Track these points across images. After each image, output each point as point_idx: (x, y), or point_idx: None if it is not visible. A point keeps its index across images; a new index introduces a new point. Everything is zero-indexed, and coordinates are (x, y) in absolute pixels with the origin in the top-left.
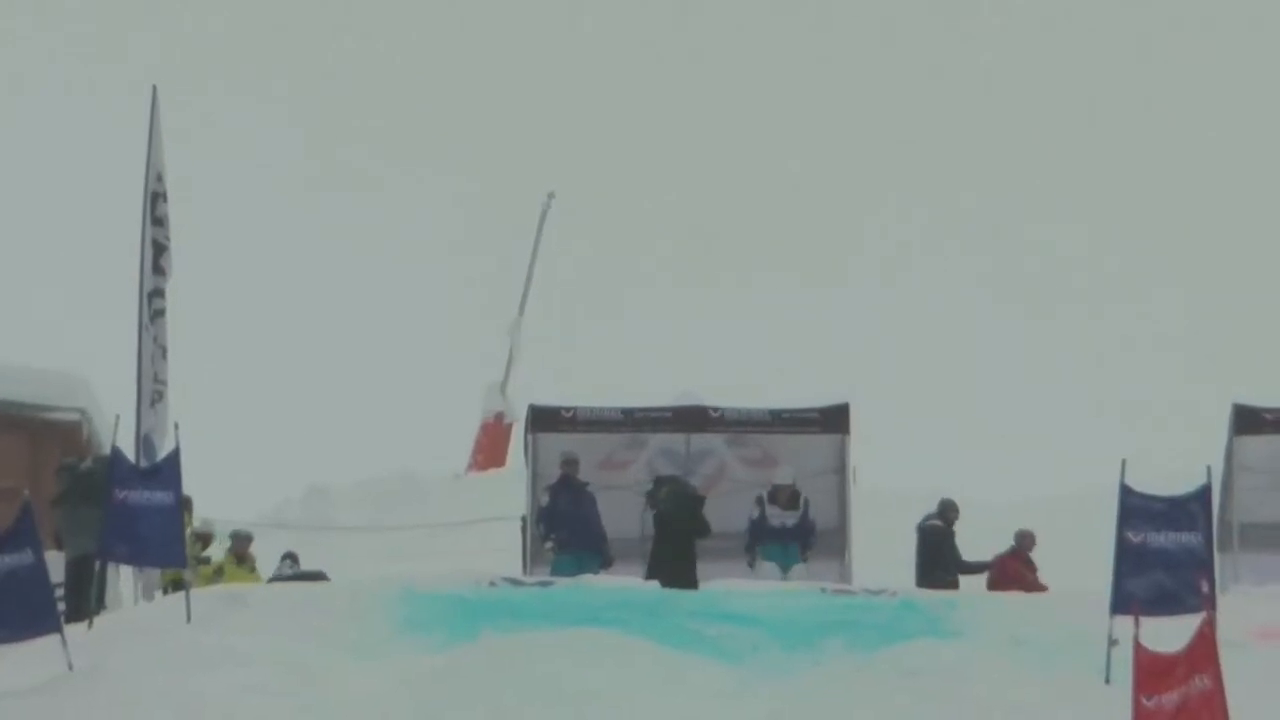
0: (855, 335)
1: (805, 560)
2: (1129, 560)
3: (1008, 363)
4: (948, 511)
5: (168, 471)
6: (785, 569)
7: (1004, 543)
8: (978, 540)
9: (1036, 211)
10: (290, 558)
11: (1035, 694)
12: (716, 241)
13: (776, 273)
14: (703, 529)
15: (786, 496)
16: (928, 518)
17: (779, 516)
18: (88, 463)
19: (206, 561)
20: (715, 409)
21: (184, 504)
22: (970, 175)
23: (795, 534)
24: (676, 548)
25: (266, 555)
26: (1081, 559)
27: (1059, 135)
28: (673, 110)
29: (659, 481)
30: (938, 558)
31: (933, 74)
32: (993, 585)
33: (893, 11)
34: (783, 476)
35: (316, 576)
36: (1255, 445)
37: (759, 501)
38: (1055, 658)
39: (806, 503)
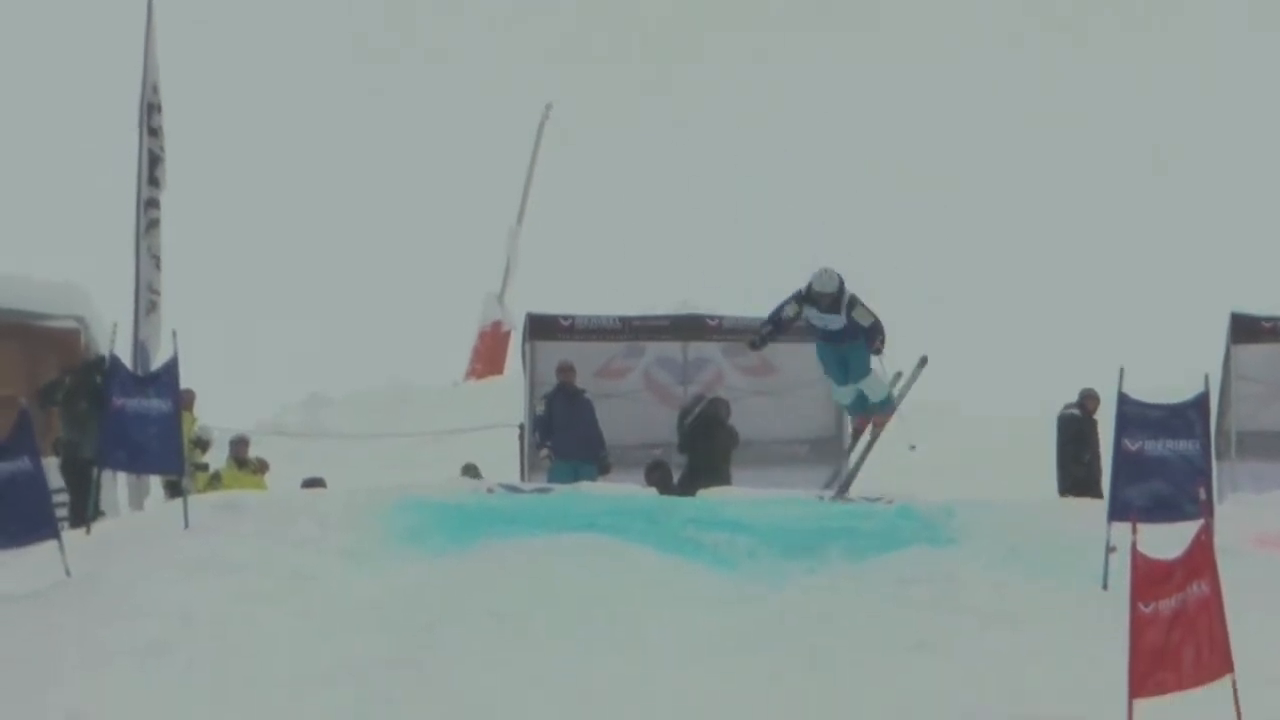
0: (854, 245)
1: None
2: (1126, 468)
3: (1005, 273)
4: (1087, 401)
5: (166, 379)
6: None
7: (1002, 456)
8: (974, 453)
9: (1034, 118)
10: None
11: (1032, 601)
12: (715, 149)
13: (776, 182)
14: (733, 439)
15: (828, 302)
16: (1066, 407)
17: (818, 317)
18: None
19: (204, 468)
20: (713, 317)
21: (187, 398)
22: (971, 83)
23: (846, 335)
24: (714, 457)
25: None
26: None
27: (1058, 47)
28: (670, 16)
29: (696, 401)
30: (1076, 447)
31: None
32: None
33: None
34: (822, 283)
35: (316, 484)
36: (1253, 354)
37: (797, 299)
38: (1052, 565)
39: (852, 304)
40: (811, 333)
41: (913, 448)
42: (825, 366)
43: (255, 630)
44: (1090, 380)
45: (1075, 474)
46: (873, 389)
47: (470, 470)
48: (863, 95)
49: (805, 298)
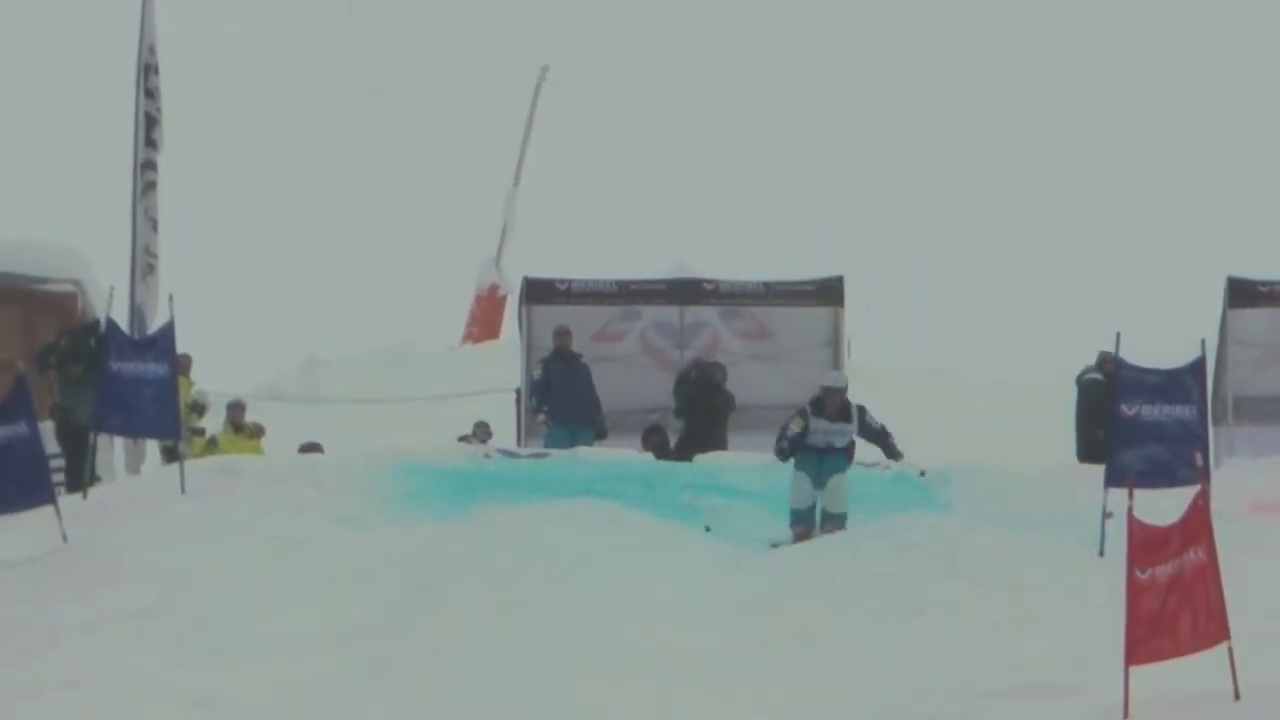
0: (852, 208)
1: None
2: (1123, 433)
3: (1003, 240)
4: (1105, 364)
5: (162, 343)
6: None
7: (992, 421)
8: (970, 419)
9: (1034, 88)
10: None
11: (1028, 567)
12: (712, 113)
13: (773, 146)
14: (729, 403)
15: (836, 406)
16: (1086, 371)
17: (825, 433)
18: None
19: (201, 433)
20: (709, 281)
21: (184, 362)
22: (973, 53)
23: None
24: (710, 421)
25: (267, 427)
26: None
27: (1049, 19)
28: None
29: (692, 365)
30: (1097, 411)
31: None
32: None
33: None
34: (834, 379)
35: (313, 448)
36: (1250, 318)
37: (801, 414)
38: (1048, 531)
39: (862, 411)
40: (805, 299)
41: (922, 473)
42: (800, 464)
43: (252, 595)
44: (1087, 345)
45: (1098, 438)
46: (835, 499)
47: (481, 427)
48: (860, 64)
49: (812, 410)
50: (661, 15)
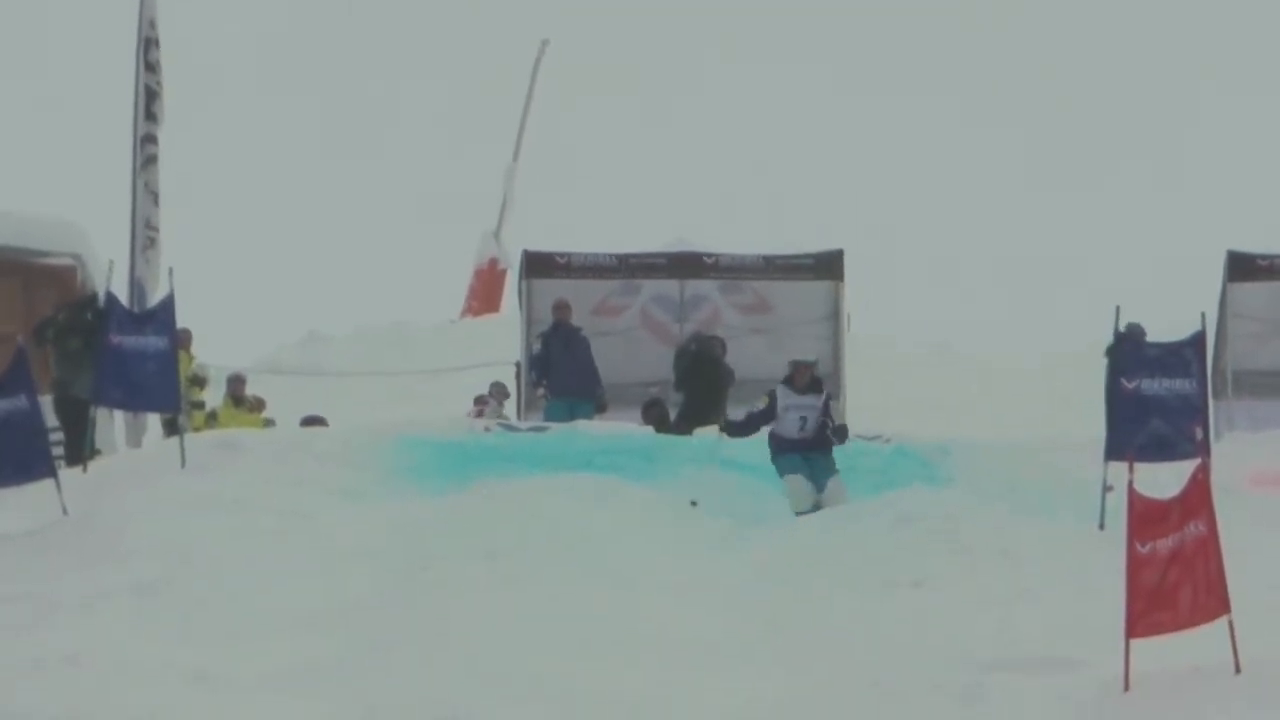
0: (852, 207)
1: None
2: (1123, 407)
3: (1003, 239)
4: (1135, 335)
5: (162, 316)
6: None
7: (992, 397)
8: (967, 393)
9: (1035, 62)
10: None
11: (1028, 540)
12: (711, 89)
13: (773, 119)
14: (729, 377)
15: (805, 380)
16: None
17: (796, 408)
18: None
19: (201, 406)
20: (709, 255)
21: (184, 337)
22: (973, 53)
23: (815, 444)
24: (709, 394)
25: (267, 401)
26: (1080, 414)
27: (1063, 20)
28: None
29: (692, 339)
30: None
31: None
32: None
33: None
34: (803, 352)
35: (316, 422)
36: (1250, 292)
37: (769, 393)
38: (1049, 504)
39: (828, 396)
40: (805, 273)
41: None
42: (786, 467)
43: (252, 569)
44: (1088, 323)
45: None
46: (834, 498)
47: (498, 388)
48: (860, 64)
49: (782, 382)
50: (662, 3)
